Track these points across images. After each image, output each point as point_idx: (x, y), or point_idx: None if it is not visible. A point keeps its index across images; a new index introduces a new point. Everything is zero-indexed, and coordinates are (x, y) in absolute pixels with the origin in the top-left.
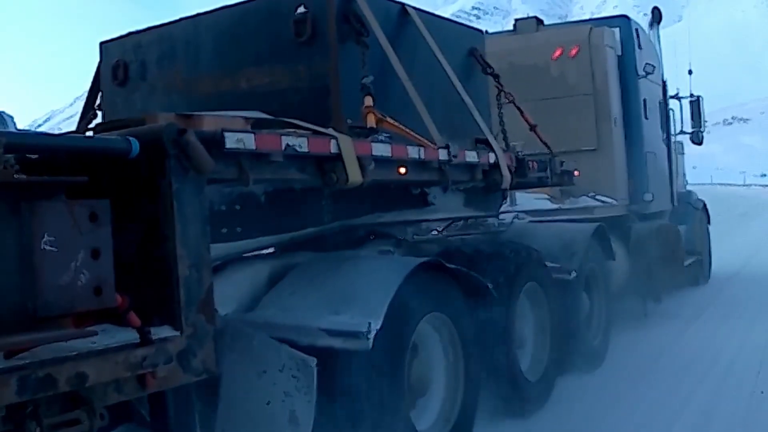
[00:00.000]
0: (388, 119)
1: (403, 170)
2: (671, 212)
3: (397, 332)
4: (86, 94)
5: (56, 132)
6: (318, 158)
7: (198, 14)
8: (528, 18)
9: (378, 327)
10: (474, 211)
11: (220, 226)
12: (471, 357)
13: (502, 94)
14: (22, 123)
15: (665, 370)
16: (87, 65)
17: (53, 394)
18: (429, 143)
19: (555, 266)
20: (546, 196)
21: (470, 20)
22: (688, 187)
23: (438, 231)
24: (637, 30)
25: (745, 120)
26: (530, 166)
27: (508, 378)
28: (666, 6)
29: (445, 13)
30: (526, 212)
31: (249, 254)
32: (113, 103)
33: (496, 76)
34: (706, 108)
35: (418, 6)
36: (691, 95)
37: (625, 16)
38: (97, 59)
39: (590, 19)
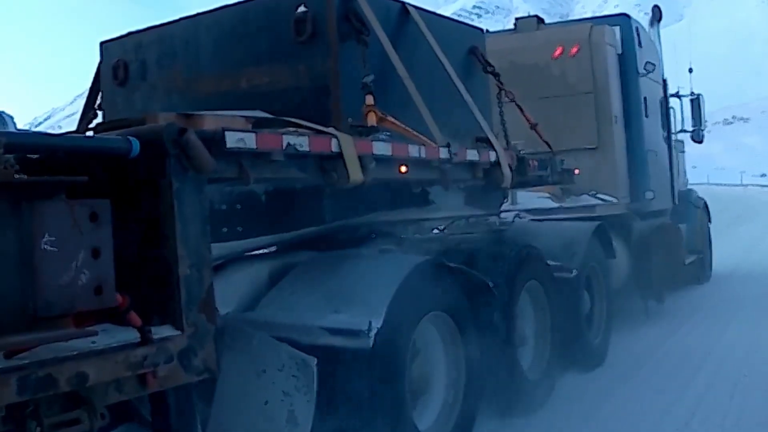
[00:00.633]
0: (389, 118)
1: (404, 169)
2: (672, 211)
3: (398, 331)
4: (87, 93)
5: (57, 129)
6: (319, 157)
7: (198, 14)
8: (529, 17)
9: (379, 326)
10: (475, 210)
11: (220, 225)
12: (472, 356)
13: (503, 92)
14: (24, 120)
15: (665, 369)
16: (87, 64)
17: (54, 393)
18: (430, 142)
19: (556, 265)
20: (547, 195)
21: (471, 19)
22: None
23: (439, 230)
24: (637, 28)
25: (746, 119)
26: (531, 164)
27: (508, 377)
28: (667, 5)
29: (447, 11)
30: (527, 211)
31: (250, 253)
32: (113, 102)
33: (496, 75)
34: (707, 107)
35: (418, 5)
36: (692, 93)
37: (626, 15)
38: (98, 59)
39: (591, 18)
